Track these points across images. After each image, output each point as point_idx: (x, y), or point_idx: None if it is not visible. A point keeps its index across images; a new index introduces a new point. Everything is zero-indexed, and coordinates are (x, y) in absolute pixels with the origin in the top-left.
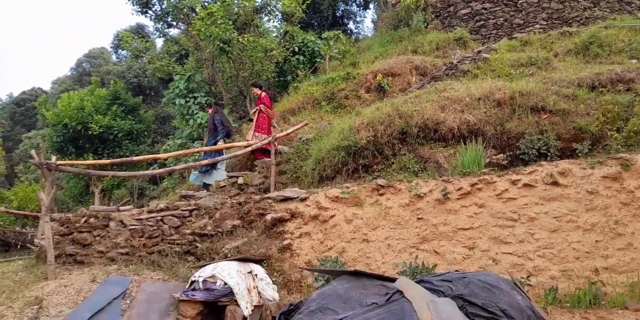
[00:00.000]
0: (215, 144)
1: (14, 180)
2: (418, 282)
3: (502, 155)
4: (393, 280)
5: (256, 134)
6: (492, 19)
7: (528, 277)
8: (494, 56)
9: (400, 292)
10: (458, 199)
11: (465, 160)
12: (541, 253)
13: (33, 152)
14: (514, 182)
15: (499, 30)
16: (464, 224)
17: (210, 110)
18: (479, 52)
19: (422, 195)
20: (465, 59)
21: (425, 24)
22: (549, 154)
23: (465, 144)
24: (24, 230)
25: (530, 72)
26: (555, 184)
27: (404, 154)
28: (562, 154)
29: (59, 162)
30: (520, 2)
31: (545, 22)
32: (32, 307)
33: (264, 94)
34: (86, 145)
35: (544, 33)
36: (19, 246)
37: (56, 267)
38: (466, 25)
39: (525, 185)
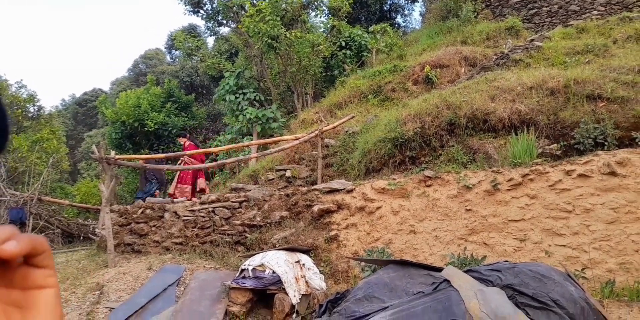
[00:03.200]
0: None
1: (77, 177)
2: (466, 272)
3: (555, 145)
4: (440, 269)
5: (179, 185)
6: (546, 7)
7: (583, 269)
8: (548, 44)
9: (447, 281)
10: (508, 190)
11: (516, 150)
12: (597, 245)
13: (94, 147)
14: (568, 173)
15: (553, 18)
16: (515, 216)
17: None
18: (532, 40)
19: (470, 186)
20: (517, 48)
21: (475, 13)
22: (605, 143)
23: (516, 134)
24: (86, 222)
25: (587, 60)
26: (612, 174)
27: (452, 145)
28: (620, 143)
29: (117, 156)
30: None
31: (603, 8)
32: (93, 292)
33: (188, 143)
34: (142, 141)
35: (601, 19)
36: (81, 237)
37: (115, 255)
38: (518, 14)
39: (581, 175)
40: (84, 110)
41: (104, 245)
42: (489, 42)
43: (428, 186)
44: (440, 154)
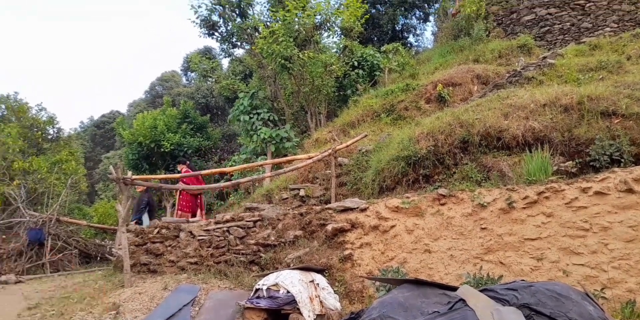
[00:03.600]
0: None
1: (95, 198)
2: (481, 291)
3: (570, 162)
4: (455, 289)
5: (179, 213)
6: (558, 24)
7: (602, 289)
8: (561, 62)
9: (462, 300)
10: (524, 208)
11: (531, 168)
12: (616, 264)
13: (112, 168)
14: (584, 190)
15: (566, 35)
16: (531, 234)
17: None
18: (544, 58)
19: (485, 204)
20: (530, 66)
21: (487, 32)
22: (622, 160)
23: (530, 151)
24: (103, 243)
25: (601, 77)
26: (630, 191)
27: (466, 163)
28: (637, 160)
29: (134, 177)
30: (588, 5)
31: (616, 25)
32: (110, 312)
33: (185, 169)
34: (158, 162)
35: (614, 36)
36: (98, 258)
37: (131, 275)
38: (530, 32)
39: (597, 193)
40: (102, 132)
41: (121, 265)
42: (501, 60)
43: (442, 204)
44: (454, 172)
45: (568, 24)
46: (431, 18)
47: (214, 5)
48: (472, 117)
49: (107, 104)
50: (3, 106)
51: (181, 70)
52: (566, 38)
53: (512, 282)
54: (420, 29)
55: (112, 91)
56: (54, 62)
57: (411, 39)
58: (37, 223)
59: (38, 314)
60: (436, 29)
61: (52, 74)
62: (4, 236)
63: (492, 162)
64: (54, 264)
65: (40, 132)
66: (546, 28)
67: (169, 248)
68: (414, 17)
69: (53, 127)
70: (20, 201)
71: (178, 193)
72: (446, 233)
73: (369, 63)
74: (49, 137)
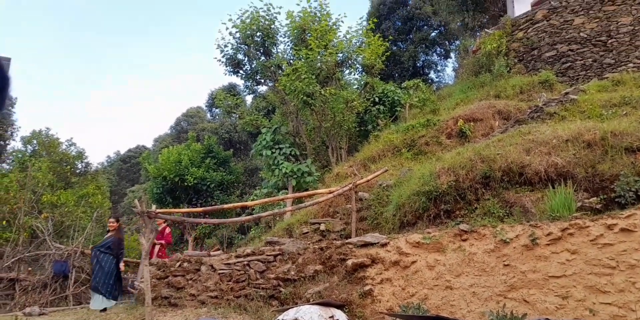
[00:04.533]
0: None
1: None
2: None
3: (595, 198)
4: None
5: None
6: (580, 60)
7: None
8: (583, 97)
9: None
10: (547, 244)
11: (554, 204)
12: None
13: (136, 201)
14: (609, 227)
15: (588, 71)
16: (556, 272)
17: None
18: (566, 93)
19: (508, 240)
20: (552, 101)
21: (508, 68)
22: None
23: (553, 187)
24: (125, 276)
25: (625, 112)
26: None
27: (488, 199)
28: None
29: (158, 210)
30: (610, 41)
31: (639, 61)
32: None
33: (168, 230)
34: (182, 196)
35: (638, 72)
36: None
37: (152, 309)
38: (551, 68)
39: (623, 230)
40: (128, 167)
41: (142, 298)
42: (523, 96)
43: (464, 240)
44: (476, 208)
45: (590, 60)
46: (452, 55)
47: (239, 45)
48: (494, 152)
49: (133, 139)
50: (35, 141)
51: (206, 106)
52: (588, 74)
53: None
54: (441, 66)
55: (138, 126)
56: (82, 98)
57: (432, 75)
58: (62, 255)
59: None
60: (457, 65)
61: (81, 109)
62: (29, 268)
63: (514, 197)
64: (77, 296)
65: (69, 167)
66: (568, 64)
67: (190, 281)
68: (434, 54)
69: (82, 162)
70: (47, 234)
71: (157, 247)
72: (468, 269)
73: (389, 99)
74: (77, 171)
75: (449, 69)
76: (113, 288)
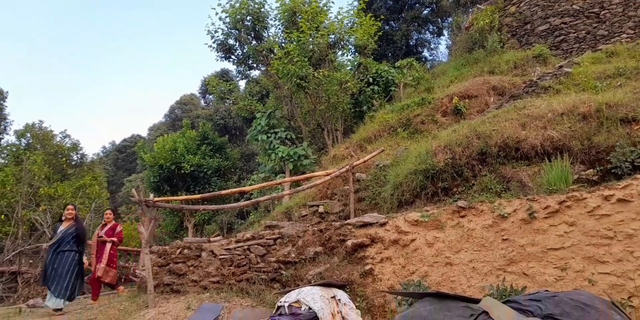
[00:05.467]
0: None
1: (118, 221)
2: (504, 303)
3: (591, 170)
4: (477, 301)
5: (108, 268)
6: (573, 33)
7: (629, 298)
8: (577, 70)
9: (485, 312)
10: (545, 217)
11: (551, 177)
12: None
13: (134, 190)
14: (606, 198)
15: (582, 44)
16: (554, 244)
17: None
18: (561, 67)
19: (506, 215)
20: (546, 75)
21: (501, 44)
22: None
23: (549, 161)
24: (127, 264)
25: (619, 84)
26: None
27: (485, 175)
28: None
29: (156, 199)
30: (603, 13)
31: (632, 31)
32: None
33: (120, 227)
34: (179, 184)
35: (631, 42)
36: (123, 279)
37: (155, 296)
38: (545, 42)
39: (620, 200)
40: (124, 156)
41: (144, 286)
42: (517, 71)
43: (462, 217)
44: (473, 184)
45: (583, 32)
46: (445, 32)
47: (229, 30)
48: (489, 128)
49: (128, 129)
50: (29, 135)
51: (199, 93)
52: (582, 46)
53: (536, 293)
54: (434, 43)
55: (132, 116)
56: (74, 88)
57: (425, 53)
58: None
59: None
60: (450, 42)
61: (73, 100)
62: (30, 261)
63: (511, 172)
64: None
65: (64, 159)
66: (561, 37)
67: (191, 268)
68: (427, 32)
69: (77, 153)
70: (46, 226)
71: (108, 246)
72: (467, 245)
73: (383, 79)
74: (73, 162)
75: (442, 47)
76: (69, 288)
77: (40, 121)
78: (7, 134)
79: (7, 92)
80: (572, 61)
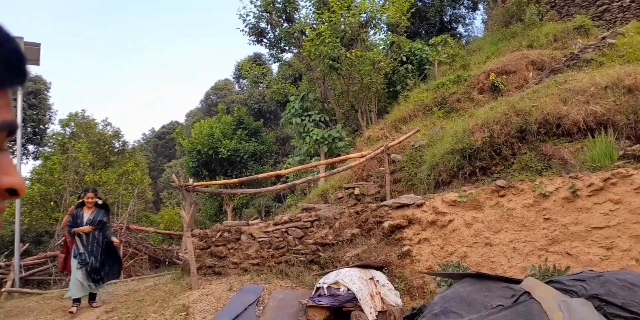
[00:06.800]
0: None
1: (160, 206)
2: (547, 283)
3: (638, 146)
4: (519, 281)
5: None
6: (617, 2)
7: None
8: (621, 41)
9: (527, 293)
10: (589, 195)
11: (594, 154)
12: None
13: (174, 176)
14: None
15: (626, 13)
16: (599, 223)
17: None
18: (603, 38)
19: (547, 194)
20: (588, 47)
21: (540, 16)
22: None
23: (593, 137)
24: (170, 248)
25: None
26: None
27: (525, 153)
28: None
29: (195, 184)
30: None
31: None
32: (180, 313)
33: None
34: (217, 168)
35: None
36: (167, 262)
37: (198, 278)
38: (586, 12)
39: None
40: (163, 143)
41: (188, 268)
42: (557, 44)
43: (501, 196)
44: (513, 163)
45: (628, 0)
46: (480, 6)
47: (261, 13)
48: (529, 104)
49: (166, 115)
50: (72, 124)
51: (233, 78)
52: (626, 16)
53: (580, 273)
54: (470, 19)
55: (171, 103)
56: (116, 78)
57: (460, 29)
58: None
59: (115, 316)
60: (486, 17)
61: (115, 88)
62: None
63: (552, 150)
64: (127, 269)
65: (107, 146)
66: (604, 6)
67: (231, 250)
68: (462, 7)
69: (118, 141)
70: None
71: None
72: (507, 225)
73: (417, 57)
74: (115, 150)
75: (477, 22)
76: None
77: (83, 110)
78: (52, 123)
79: (50, 82)
80: (615, 32)
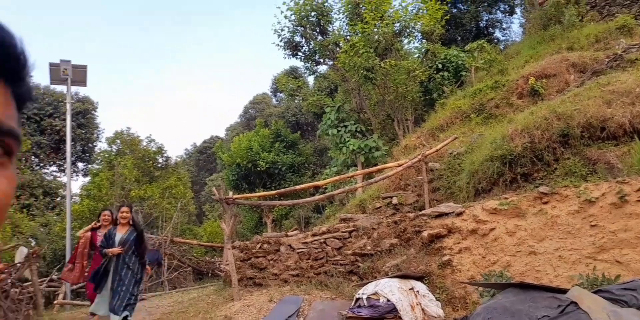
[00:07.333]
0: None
1: (203, 218)
2: (595, 292)
3: None
4: (565, 291)
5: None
6: None
7: None
8: None
9: (574, 303)
10: (638, 201)
11: None
12: None
13: (214, 189)
14: None
15: None
16: None
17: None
18: None
19: (593, 200)
20: (632, 47)
21: (580, 17)
22: None
23: None
24: (213, 260)
25: None
26: None
27: (568, 158)
28: None
29: (235, 196)
30: None
31: None
32: None
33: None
34: (256, 181)
35: None
36: (210, 274)
37: (239, 289)
38: (629, 11)
39: None
40: (205, 157)
41: (229, 280)
42: (599, 45)
43: (545, 203)
44: (555, 168)
45: None
46: (517, 10)
47: (295, 27)
48: (571, 108)
49: (207, 130)
50: (118, 141)
51: (270, 91)
52: None
53: (631, 282)
54: (507, 23)
55: (211, 118)
56: (154, 94)
57: (498, 34)
58: (154, 245)
59: None
60: (524, 20)
61: (157, 106)
62: None
63: (597, 154)
64: (172, 281)
65: (151, 162)
66: None
67: (271, 262)
68: (498, 12)
69: (162, 156)
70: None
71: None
72: (552, 233)
73: (453, 64)
74: (159, 165)
75: (515, 26)
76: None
77: (128, 128)
78: (99, 141)
79: (97, 102)
80: None
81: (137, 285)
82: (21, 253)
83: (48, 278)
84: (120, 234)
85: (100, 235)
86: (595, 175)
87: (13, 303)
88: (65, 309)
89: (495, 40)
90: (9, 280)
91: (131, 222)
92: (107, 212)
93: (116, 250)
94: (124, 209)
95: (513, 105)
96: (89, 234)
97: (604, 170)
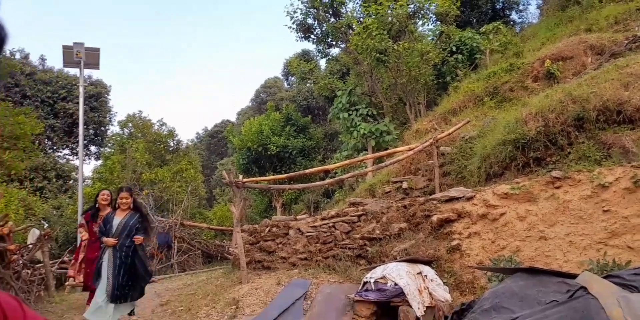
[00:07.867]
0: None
1: (213, 202)
2: (606, 278)
3: None
4: (574, 276)
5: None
6: None
7: None
8: None
9: (584, 288)
10: None
11: None
12: None
13: (224, 173)
14: None
15: None
16: None
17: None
18: None
19: (607, 184)
20: None
21: None
22: None
23: None
24: (222, 243)
25: None
26: None
27: (582, 142)
28: None
29: (245, 180)
30: None
31: None
32: (230, 307)
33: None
34: (266, 165)
35: None
36: (219, 257)
37: (248, 272)
38: None
39: None
40: (216, 141)
41: (238, 263)
42: (618, 27)
43: (557, 188)
44: (569, 153)
45: None
46: None
47: (308, 9)
48: (587, 91)
49: (219, 114)
50: (130, 124)
51: (282, 75)
52: None
53: None
54: (524, 4)
55: (222, 102)
56: (166, 78)
57: (514, 15)
58: (164, 228)
59: (169, 309)
60: (541, 1)
61: (168, 90)
62: None
63: (612, 138)
64: (181, 264)
65: (162, 145)
66: None
67: (280, 245)
68: None
69: (173, 140)
70: (150, 208)
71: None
72: (563, 218)
73: (467, 46)
74: (170, 149)
75: (532, 7)
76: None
77: (140, 111)
78: (112, 125)
79: (110, 85)
80: None
81: (142, 268)
82: (33, 235)
83: (59, 260)
84: (118, 218)
85: (98, 224)
86: (609, 159)
87: (25, 284)
88: (76, 290)
89: (512, 22)
90: (21, 262)
91: (131, 207)
92: (105, 192)
93: (110, 241)
94: (123, 194)
95: (528, 89)
96: (86, 235)
97: (618, 155)
